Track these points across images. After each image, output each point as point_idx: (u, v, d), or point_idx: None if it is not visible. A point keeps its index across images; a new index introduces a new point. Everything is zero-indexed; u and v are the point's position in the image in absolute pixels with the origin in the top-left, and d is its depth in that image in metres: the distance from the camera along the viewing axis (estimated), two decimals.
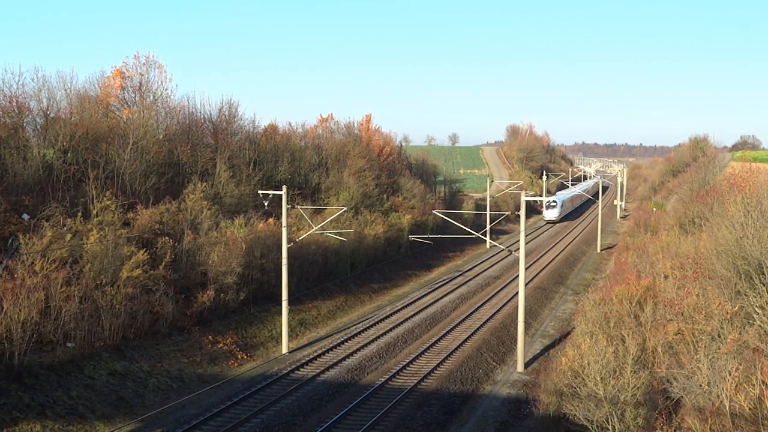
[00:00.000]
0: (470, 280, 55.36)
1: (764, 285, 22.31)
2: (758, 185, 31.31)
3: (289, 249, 35.90)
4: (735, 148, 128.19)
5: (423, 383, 30.80)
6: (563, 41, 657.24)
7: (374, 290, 51.04)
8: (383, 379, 31.10)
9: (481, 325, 40.54)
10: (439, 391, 29.96)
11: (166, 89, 50.10)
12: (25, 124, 40.56)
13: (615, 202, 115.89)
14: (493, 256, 67.32)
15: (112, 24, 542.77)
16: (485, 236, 52.79)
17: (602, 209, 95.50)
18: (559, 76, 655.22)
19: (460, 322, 41.72)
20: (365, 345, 36.39)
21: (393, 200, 70.56)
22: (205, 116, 53.92)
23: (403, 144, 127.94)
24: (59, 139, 39.90)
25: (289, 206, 37.36)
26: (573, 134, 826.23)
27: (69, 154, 39.83)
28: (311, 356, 34.26)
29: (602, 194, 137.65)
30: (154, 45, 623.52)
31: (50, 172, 38.21)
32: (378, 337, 37.96)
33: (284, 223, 35.55)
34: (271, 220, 45.83)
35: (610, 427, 19.67)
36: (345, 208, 49.58)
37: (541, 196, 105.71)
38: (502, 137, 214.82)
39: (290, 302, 36.81)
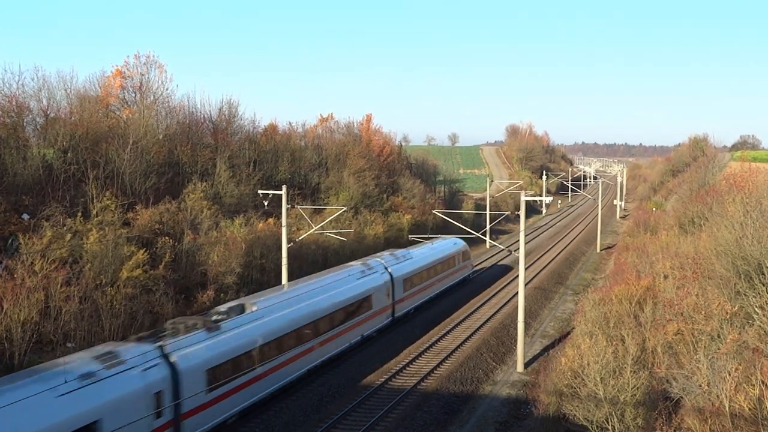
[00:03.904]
0: (470, 280, 55.31)
1: (764, 285, 22.30)
2: (758, 185, 31.33)
3: (289, 249, 35.87)
4: (734, 147, 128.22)
5: (423, 383, 30.78)
6: (563, 41, 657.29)
7: None
8: (383, 379, 31.08)
9: (481, 326, 40.52)
10: (439, 392, 29.94)
11: (166, 89, 50.23)
12: (25, 124, 40.59)
13: (615, 202, 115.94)
14: (493, 255, 67.29)
15: (112, 24, 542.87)
16: (485, 236, 52.79)
17: (602, 209, 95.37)
18: (558, 76, 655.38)
19: (460, 322, 41.69)
20: (365, 345, 36.35)
21: (393, 200, 70.58)
22: (205, 116, 54.02)
23: (403, 144, 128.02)
24: (59, 139, 39.88)
25: (289, 206, 37.34)
26: (573, 134, 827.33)
27: (69, 154, 39.80)
28: None
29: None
30: (154, 45, 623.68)
31: (50, 171, 38.19)
32: (378, 337, 37.91)
33: (284, 223, 35.53)
34: (271, 220, 45.83)
35: (609, 428, 19.68)
36: (345, 208, 49.60)
37: (540, 195, 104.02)
38: (502, 137, 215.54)
39: None
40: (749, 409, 17.24)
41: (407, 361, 33.78)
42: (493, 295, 49.68)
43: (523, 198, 34.34)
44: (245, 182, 50.01)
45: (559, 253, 70.47)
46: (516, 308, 35.78)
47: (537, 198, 41.41)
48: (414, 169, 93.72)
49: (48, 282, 28.18)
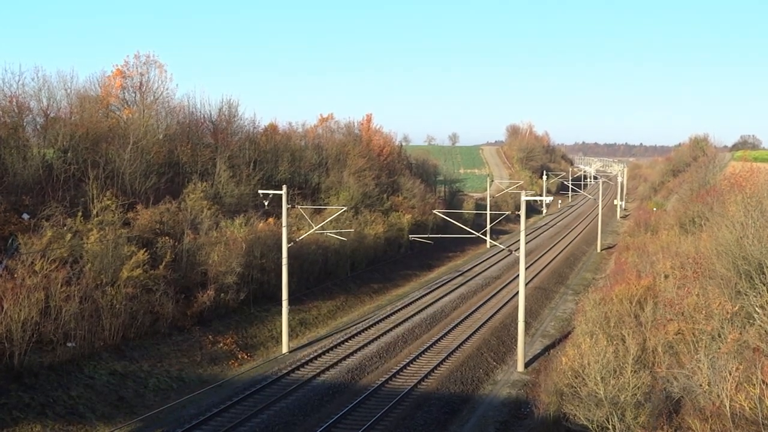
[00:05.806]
0: (470, 279, 55.32)
1: (764, 285, 22.28)
2: (758, 185, 31.35)
3: (289, 249, 35.86)
4: (735, 147, 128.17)
5: (423, 383, 30.77)
6: (563, 41, 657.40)
7: (374, 290, 51.00)
8: (383, 379, 31.07)
9: (482, 325, 40.51)
10: (439, 391, 29.94)
11: (166, 89, 50.15)
12: (25, 124, 40.54)
13: (615, 202, 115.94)
14: (493, 255, 67.29)
15: (112, 24, 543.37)
16: (485, 236, 52.77)
17: (602, 209, 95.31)
18: (559, 76, 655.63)
19: (461, 321, 41.69)
20: (365, 345, 36.36)
21: (393, 200, 70.53)
22: (205, 116, 53.94)
23: (403, 144, 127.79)
24: (59, 139, 39.86)
25: (289, 206, 37.33)
26: (573, 134, 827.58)
27: (69, 154, 39.79)
28: (311, 356, 34.24)
29: None
30: (154, 45, 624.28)
31: (50, 171, 38.17)
32: (378, 336, 37.93)
33: (284, 223, 35.52)
34: (271, 219, 45.79)
35: (610, 427, 19.64)
36: (345, 208, 49.56)
37: (541, 195, 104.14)
38: (502, 137, 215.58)
39: (290, 302, 36.78)
40: (750, 409, 17.21)
41: (407, 360, 33.78)
42: (494, 295, 49.69)
43: (524, 198, 34.32)
44: (245, 182, 49.98)
45: (560, 252, 70.46)
46: (516, 308, 35.78)
47: (537, 198, 41.45)
48: (414, 169, 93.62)
49: (48, 282, 28.15)
